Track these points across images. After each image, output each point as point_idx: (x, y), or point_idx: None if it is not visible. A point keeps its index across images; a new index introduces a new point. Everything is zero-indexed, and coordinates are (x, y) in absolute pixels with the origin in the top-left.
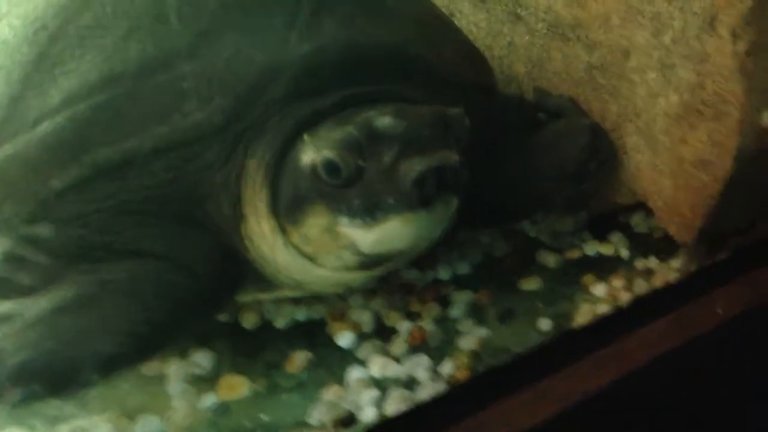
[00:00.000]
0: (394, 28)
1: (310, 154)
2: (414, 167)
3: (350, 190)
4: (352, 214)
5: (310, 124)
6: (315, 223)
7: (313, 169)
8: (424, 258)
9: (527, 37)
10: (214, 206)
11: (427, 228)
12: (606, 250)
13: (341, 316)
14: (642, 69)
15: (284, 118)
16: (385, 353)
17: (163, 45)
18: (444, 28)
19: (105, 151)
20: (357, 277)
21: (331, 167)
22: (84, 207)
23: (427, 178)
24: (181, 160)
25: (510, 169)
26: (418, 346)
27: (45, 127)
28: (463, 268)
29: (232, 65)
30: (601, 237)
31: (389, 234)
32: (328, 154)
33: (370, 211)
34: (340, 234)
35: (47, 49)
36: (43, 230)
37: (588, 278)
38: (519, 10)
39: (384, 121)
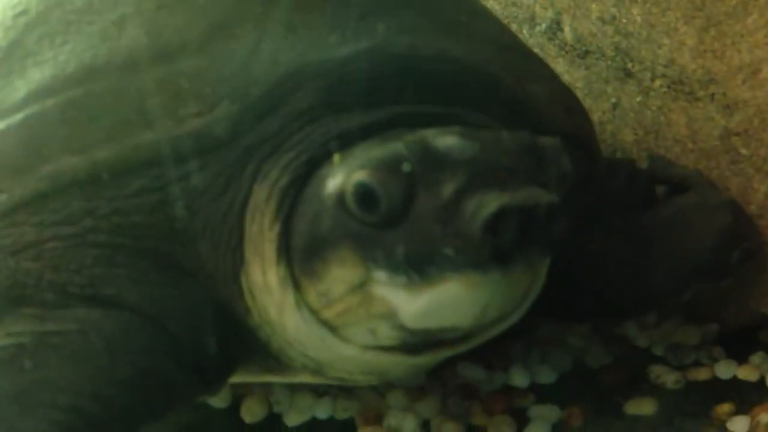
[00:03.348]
0: (468, 45)
1: (338, 179)
2: (486, 204)
3: (392, 232)
4: (393, 266)
5: (344, 144)
6: (339, 277)
7: (341, 198)
8: (492, 352)
9: (639, 98)
10: (206, 246)
11: (502, 298)
12: (746, 374)
13: (375, 419)
14: None
15: (310, 134)
16: None
17: (165, 35)
18: (532, 60)
19: (70, 160)
20: (397, 363)
21: (365, 196)
22: (36, 233)
23: (506, 222)
24: (167, 181)
25: (616, 251)
26: None
27: (0, 126)
28: (547, 376)
29: (249, 65)
30: (739, 356)
31: (444, 301)
32: (362, 177)
33: (418, 265)
34: (374, 295)
35: (22, 36)
36: None
37: (722, 408)
38: (630, 65)
39: (447, 140)
